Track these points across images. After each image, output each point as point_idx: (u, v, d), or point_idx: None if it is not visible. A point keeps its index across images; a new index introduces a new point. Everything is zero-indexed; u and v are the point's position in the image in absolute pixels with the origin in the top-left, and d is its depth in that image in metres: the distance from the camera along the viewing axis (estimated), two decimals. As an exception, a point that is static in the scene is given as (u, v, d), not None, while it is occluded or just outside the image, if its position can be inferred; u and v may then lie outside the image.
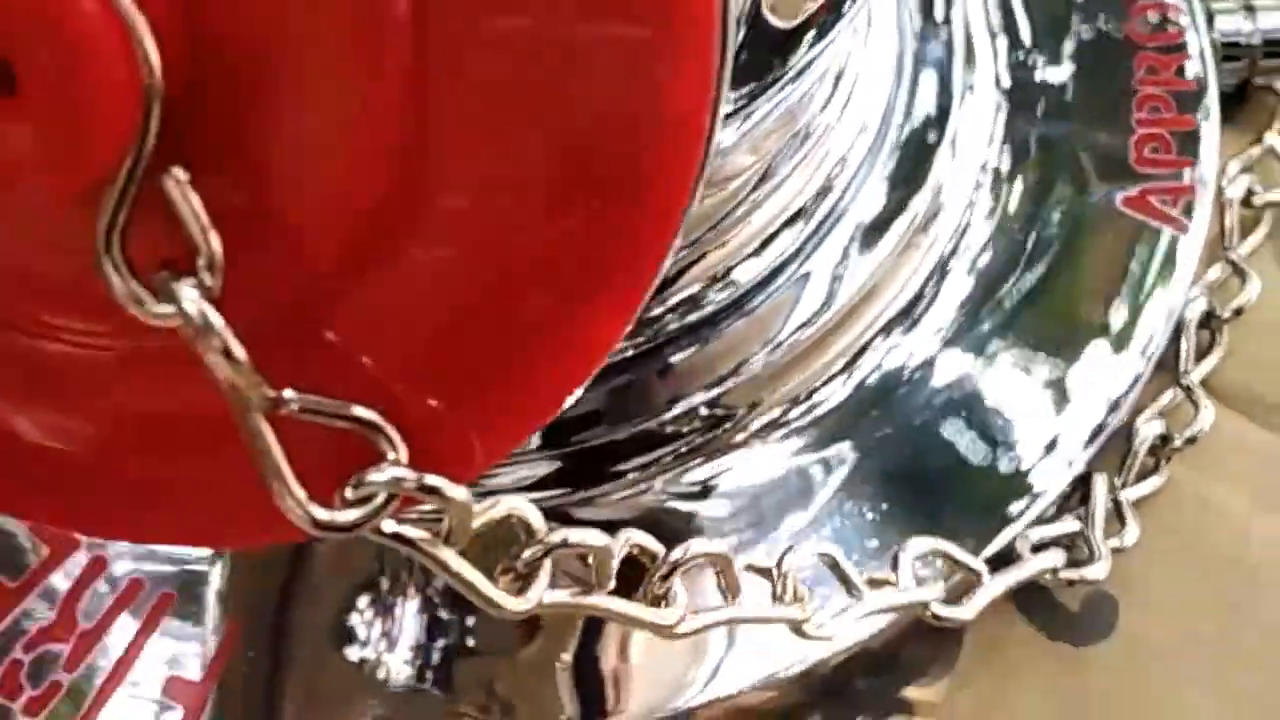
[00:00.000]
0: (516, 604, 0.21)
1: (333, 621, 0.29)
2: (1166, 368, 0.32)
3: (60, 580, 0.29)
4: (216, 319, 0.17)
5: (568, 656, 0.28)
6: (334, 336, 0.19)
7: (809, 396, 0.30)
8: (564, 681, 0.28)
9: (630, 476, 0.29)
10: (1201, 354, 0.32)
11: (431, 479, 0.18)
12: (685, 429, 0.29)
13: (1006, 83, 0.34)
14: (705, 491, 0.29)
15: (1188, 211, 0.32)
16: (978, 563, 0.27)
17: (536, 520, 0.21)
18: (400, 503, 0.19)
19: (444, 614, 0.29)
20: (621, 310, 0.18)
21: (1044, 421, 0.30)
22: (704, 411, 0.29)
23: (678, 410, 0.29)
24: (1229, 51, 0.34)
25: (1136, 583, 0.30)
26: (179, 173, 0.16)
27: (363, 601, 0.29)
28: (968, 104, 0.33)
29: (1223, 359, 0.32)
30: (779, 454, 0.30)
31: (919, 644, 0.29)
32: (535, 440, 0.29)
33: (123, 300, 0.16)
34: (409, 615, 0.29)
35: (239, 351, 0.17)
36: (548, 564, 0.21)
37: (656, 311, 0.28)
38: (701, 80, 0.17)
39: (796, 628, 0.25)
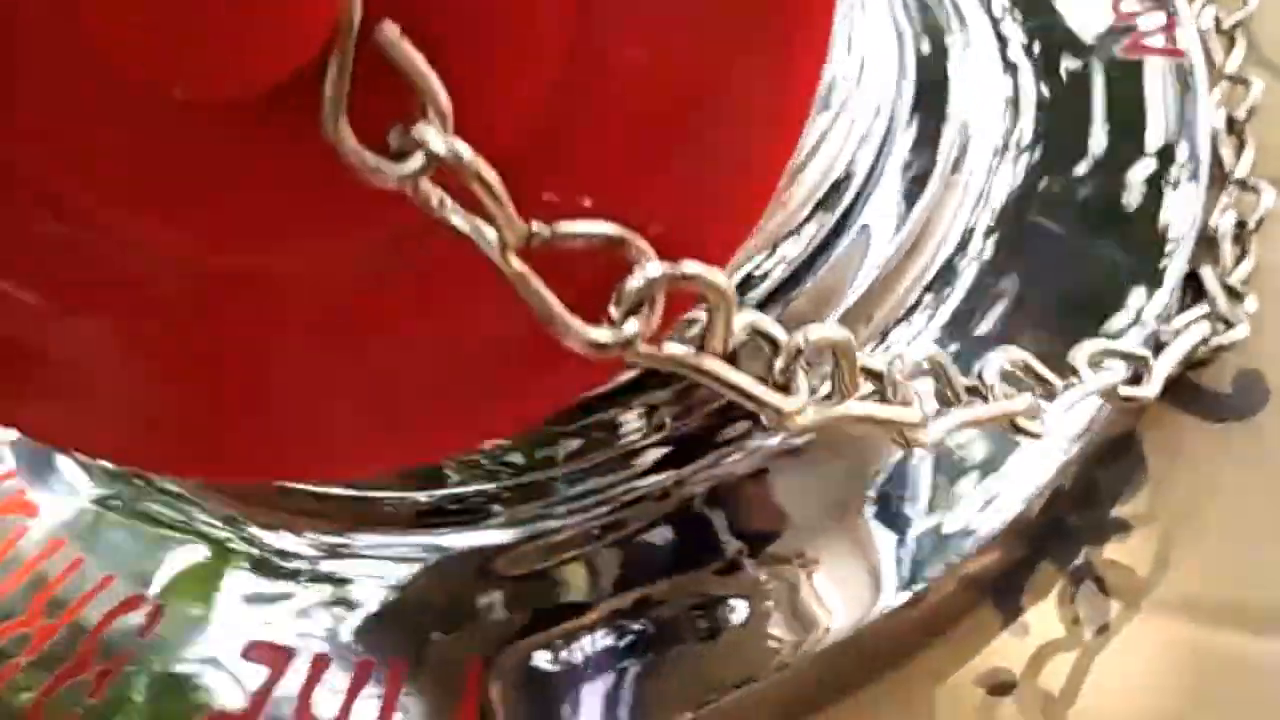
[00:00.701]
0: (789, 403, 0.21)
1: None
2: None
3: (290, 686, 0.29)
4: (465, 149, 0.18)
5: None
6: (552, 196, 0.20)
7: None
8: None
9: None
10: (1238, 153, 0.33)
11: (689, 266, 0.19)
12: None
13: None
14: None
15: (1176, 38, 0.34)
16: (1143, 349, 0.28)
17: (778, 331, 0.22)
18: (663, 319, 0.19)
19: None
20: (795, 119, 0.20)
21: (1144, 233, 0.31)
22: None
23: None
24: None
25: (1269, 348, 0.31)
26: (390, 28, 0.17)
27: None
28: (966, 43, 0.34)
29: (1258, 153, 0.34)
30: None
31: (1106, 471, 0.30)
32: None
33: (360, 168, 0.17)
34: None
35: (491, 176, 0.18)
36: (800, 368, 0.22)
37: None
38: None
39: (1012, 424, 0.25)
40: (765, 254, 0.30)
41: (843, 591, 0.28)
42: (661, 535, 0.29)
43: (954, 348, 0.30)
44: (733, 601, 0.28)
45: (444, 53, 0.17)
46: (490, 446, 0.29)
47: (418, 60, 0.17)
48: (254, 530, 0.31)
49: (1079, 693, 0.28)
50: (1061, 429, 0.28)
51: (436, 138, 0.17)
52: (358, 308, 0.20)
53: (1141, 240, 0.31)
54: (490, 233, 0.18)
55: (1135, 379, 0.28)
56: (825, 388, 0.22)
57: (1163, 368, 0.28)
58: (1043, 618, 0.29)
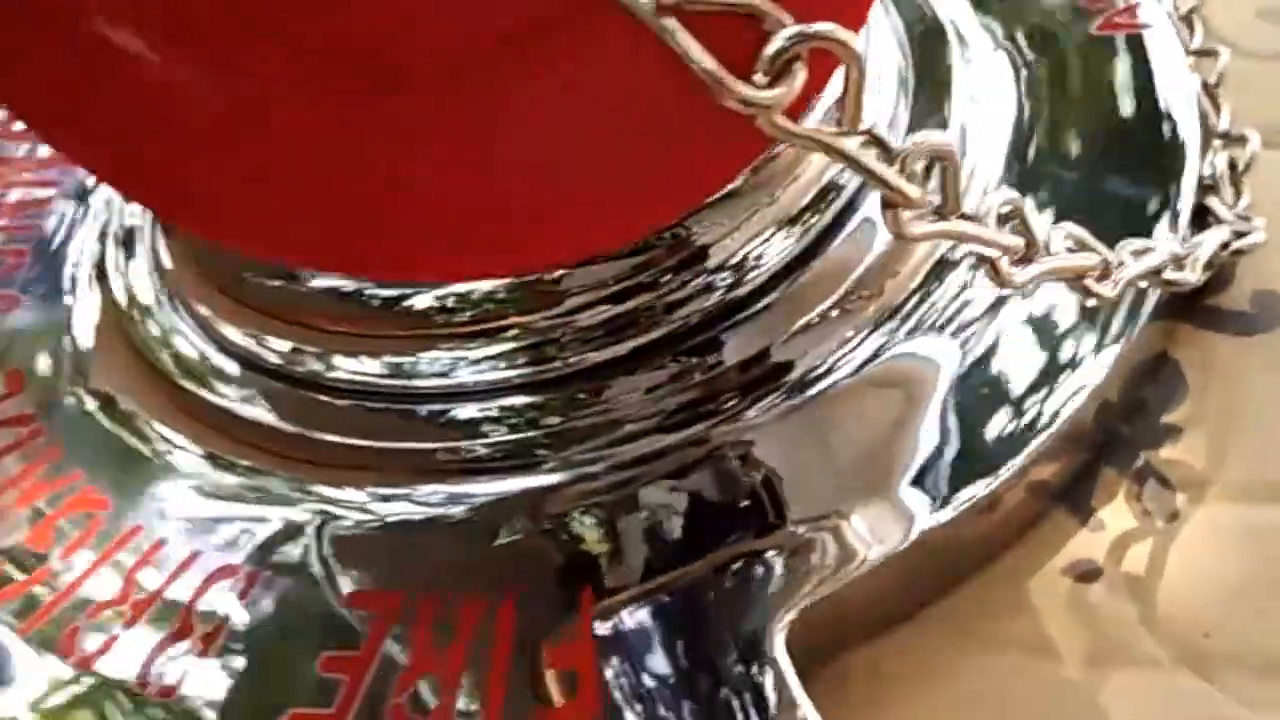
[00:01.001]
0: (918, 195, 0.22)
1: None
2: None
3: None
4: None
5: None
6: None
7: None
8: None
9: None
10: (1217, 111, 0.36)
11: (824, 26, 0.21)
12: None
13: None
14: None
15: (1144, 16, 0.37)
16: (1178, 243, 0.31)
17: (886, 134, 0.23)
18: (806, 84, 0.21)
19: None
20: None
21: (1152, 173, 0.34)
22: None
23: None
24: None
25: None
26: None
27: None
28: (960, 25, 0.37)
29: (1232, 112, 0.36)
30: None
31: (1150, 387, 0.32)
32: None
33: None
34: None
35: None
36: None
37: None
38: None
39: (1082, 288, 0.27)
40: (773, 231, 0.31)
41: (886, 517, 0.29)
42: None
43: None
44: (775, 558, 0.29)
45: None
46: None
47: None
48: (320, 488, 0.31)
49: (1163, 572, 0.29)
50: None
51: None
52: (518, 92, 0.21)
53: (1152, 178, 0.33)
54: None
55: (1177, 268, 0.30)
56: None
57: (1198, 258, 0.30)
58: (1115, 514, 0.30)
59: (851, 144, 0.22)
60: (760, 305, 0.31)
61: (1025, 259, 0.26)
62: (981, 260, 0.25)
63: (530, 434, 0.31)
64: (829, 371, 0.31)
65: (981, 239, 0.24)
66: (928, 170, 0.23)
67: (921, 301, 0.32)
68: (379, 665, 0.28)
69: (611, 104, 0.21)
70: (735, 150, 0.22)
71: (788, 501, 0.30)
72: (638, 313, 0.30)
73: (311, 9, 0.21)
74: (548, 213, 0.22)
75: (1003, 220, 0.25)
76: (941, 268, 0.32)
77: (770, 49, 0.20)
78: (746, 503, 0.30)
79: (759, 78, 0.20)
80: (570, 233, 0.23)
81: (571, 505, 0.30)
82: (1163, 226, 0.32)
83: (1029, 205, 0.26)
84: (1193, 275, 0.30)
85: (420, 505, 0.31)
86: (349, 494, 0.31)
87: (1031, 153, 0.34)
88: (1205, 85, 0.36)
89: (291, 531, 0.31)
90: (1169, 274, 0.29)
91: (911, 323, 0.31)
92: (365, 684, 0.28)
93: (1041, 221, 0.27)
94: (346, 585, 0.29)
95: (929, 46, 0.35)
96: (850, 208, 0.32)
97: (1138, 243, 0.30)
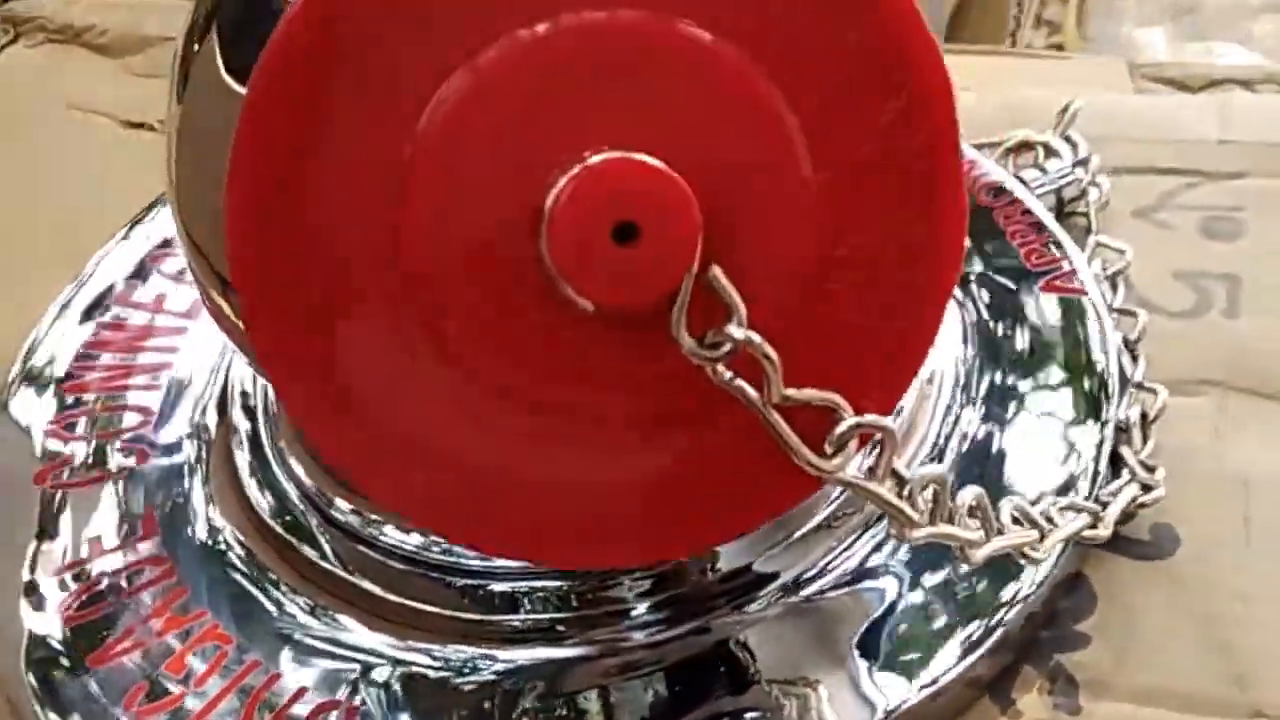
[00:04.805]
0: (918, 518, 0.29)
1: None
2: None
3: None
4: (756, 336, 0.25)
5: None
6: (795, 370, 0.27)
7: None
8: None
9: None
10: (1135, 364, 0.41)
11: (873, 418, 0.27)
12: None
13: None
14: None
15: (1080, 281, 0.43)
16: (1093, 506, 0.36)
17: (904, 469, 0.29)
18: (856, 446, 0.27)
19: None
20: (942, 297, 0.28)
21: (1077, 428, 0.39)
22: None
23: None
24: (1040, 192, 0.46)
25: (1173, 509, 0.38)
26: (717, 270, 0.25)
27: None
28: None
29: (1147, 364, 0.41)
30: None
31: (1066, 599, 0.37)
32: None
33: (692, 354, 0.25)
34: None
35: (775, 356, 0.25)
36: (920, 497, 0.29)
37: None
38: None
39: (1020, 551, 0.33)
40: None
41: (849, 703, 0.34)
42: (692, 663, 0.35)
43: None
44: (750, 714, 0.34)
45: (741, 279, 0.25)
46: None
47: (732, 290, 0.25)
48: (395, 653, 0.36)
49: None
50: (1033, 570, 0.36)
51: (739, 331, 0.25)
52: (659, 439, 0.27)
53: (1077, 424, 0.39)
54: (756, 395, 0.26)
55: (1093, 525, 0.36)
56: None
57: (1110, 516, 0.36)
58: (1031, 705, 0.35)
59: (880, 488, 0.28)
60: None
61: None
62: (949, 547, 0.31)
63: (556, 615, 0.36)
64: (819, 575, 0.36)
65: (954, 537, 0.30)
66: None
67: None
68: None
69: (713, 461, 0.27)
70: (801, 489, 0.28)
71: (764, 670, 0.35)
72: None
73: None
74: (666, 539, 0.29)
75: (970, 512, 0.31)
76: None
77: (837, 431, 0.27)
78: (724, 665, 0.35)
79: (827, 449, 0.27)
80: (674, 546, 0.29)
81: (588, 681, 0.35)
82: (1086, 471, 0.38)
83: (987, 500, 0.32)
84: (1105, 532, 0.35)
85: (451, 664, 0.36)
86: (413, 645, 0.36)
87: (982, 390, 0.40)
88: (1126, 341, 0.42)
89: (375, 675, 0.36)
90: (1086, 533, 0.35)
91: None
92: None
93: (1003, 508, 0.33)
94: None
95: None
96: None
97: (1064, 502, 0.36)
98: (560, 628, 0.36)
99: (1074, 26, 1.14)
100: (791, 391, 0.26)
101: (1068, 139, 0.48)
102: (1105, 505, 0.37)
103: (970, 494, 0.31)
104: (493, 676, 0.35)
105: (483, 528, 0.28)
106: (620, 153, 0.24)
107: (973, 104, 0.51)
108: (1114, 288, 0.44)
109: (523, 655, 0.36)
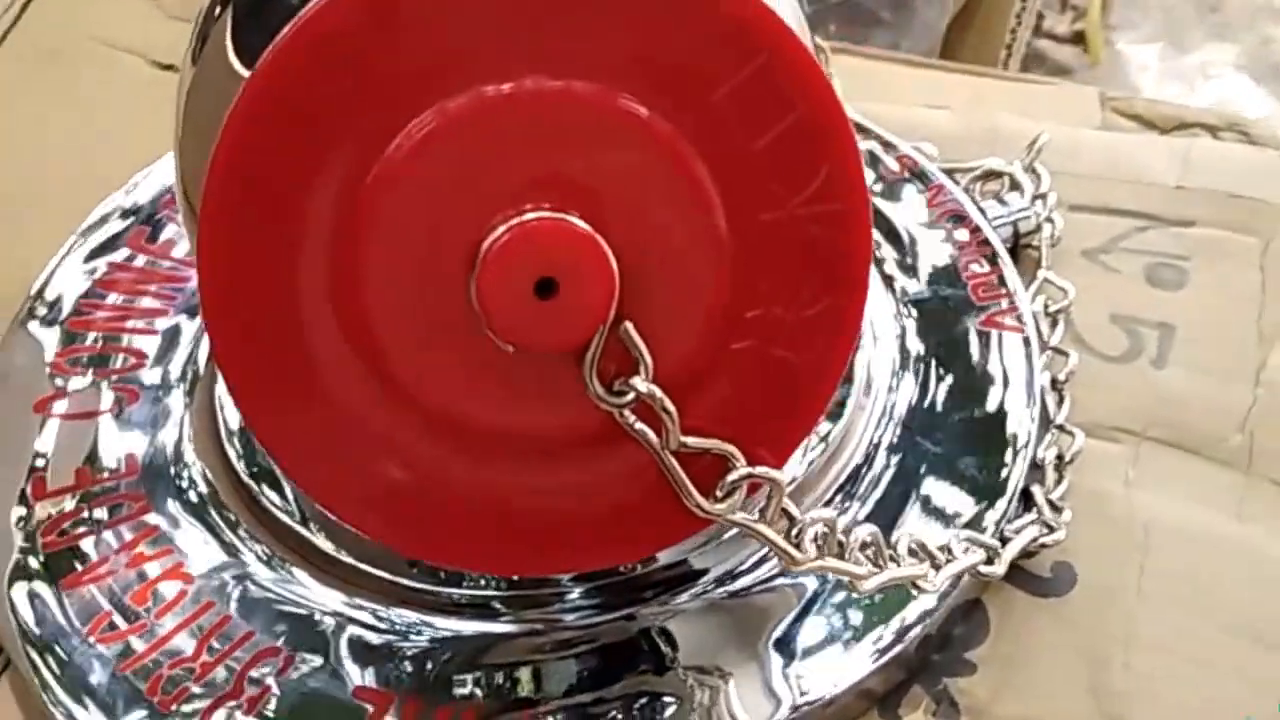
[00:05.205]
0: (801, 557, 0.31)
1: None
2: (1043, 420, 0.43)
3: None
4: (658, 390, 0.28)
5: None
6: (692, 423, 0.30)
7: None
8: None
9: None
10: (1059, 405, 0.44)
11: (764, 469, 0.29)
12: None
13: (888, 272, 0.46)
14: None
15: (1019, 318, 0.45)
16: (993, 541, 0.38)
17: (795, 510, 0.32)
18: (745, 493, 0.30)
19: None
20: (841, 360, 0.30)
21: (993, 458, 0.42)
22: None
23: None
24: (998, 225, 0.48)
25: (1076, 549, 0.41)
26: (629, 325, 0.28)
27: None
28: (875, 306, 0.45)
29: (1071, 405, 0.44)
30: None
31: (961, 625, 0.39)
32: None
33: (599, 400, 0.27)
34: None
35: (672, 408, 0.28)
36: (809, 534, 0.32)
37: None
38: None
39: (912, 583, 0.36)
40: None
41: (756, 697, 0.37)
42: (619, 647, 0.38)
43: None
44: (667, 697, 0.37)
45: (653, 332, 0.28)
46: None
47: (641, 345, 0.27)
48: (341, 599, 0.39)
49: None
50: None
51: (643, 384, 0.28)
52: (566, 469, 0.30)
53: (995, 460, 0.41)
54: (657, 440, 0.28)
55: (989, 561, 0.38)
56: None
57: (1007, 556, 0.38)
58: None
59: (767, 529, 0.31)
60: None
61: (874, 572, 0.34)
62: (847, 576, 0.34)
63: (496, 592, 0.39)
64: (747, 572, 0.39)
65: (840, 570, 0.33)
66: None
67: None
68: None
69: (614, 493, 0.30)
70: (691, 526, 0.31)
71: (683, 659, 0.38)
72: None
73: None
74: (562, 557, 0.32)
75: (864, 547, 0.34)
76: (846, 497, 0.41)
77: (729, 479, 0.29)
78: (648, 648, 0.38)
79: (718, 493, 0.29)
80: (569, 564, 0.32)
81: (521, 655, 0.38)
82: (997, 507, 0.40)
83: (881, 536, 0.35)
84: (999, 569, 0.38)
85: (396, 627, 0.39)
86: (359, 604, 0.39)
87: (906, 415, 0.43)
88: (1054, 380, 0.45)
89: (319, 629, 0.39)
90: (981, 568, 0.38)
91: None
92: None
93: (902, 540, 0.36)
94: (354, 679, 0.38)
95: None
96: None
97: (966, 534, 0.38)
98: (498, 604, 0.39)
99: (1098, 15, 1.15)
100: (688, 440, 0.29)
101: (1033, 170, 0.50)
102: (1007, 541, 0.39)
103: (865, 530, 0.34)
104: (429, 644, 0.38)
105: (401, 531, 0.31)
106: (547, 213, 0.27)
107: (950, 125, 0.53)
108: (1053, 325, 0.46)
109: (461, 626, 0.39)
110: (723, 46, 0.28)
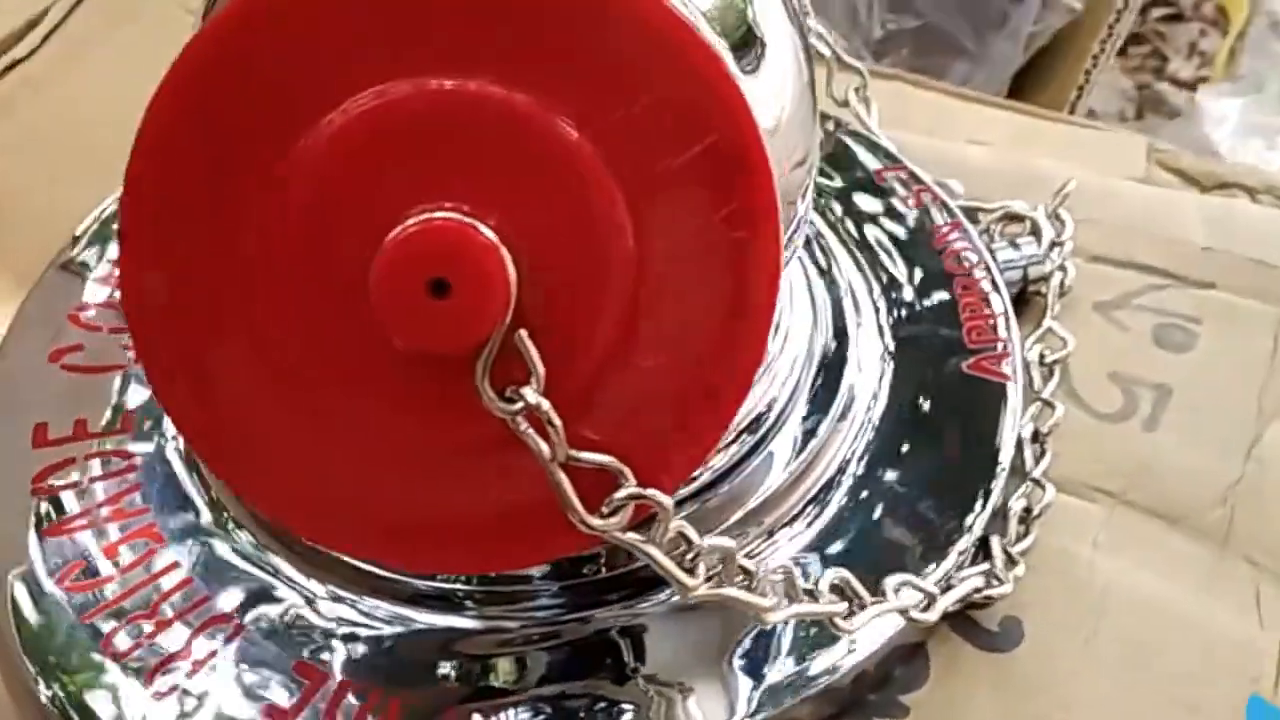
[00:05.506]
0: (693, 583, 0.32)
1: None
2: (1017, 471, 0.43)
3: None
4: (546, 403, 0.28)
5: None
6: (585, 433, 0.30)
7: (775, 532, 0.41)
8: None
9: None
10: (1038, 458, 0.43)
11: (652, 491, 0.29)
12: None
13: (880, 304, 0.46)
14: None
15: (1009, 366, 0.44)
16: (932, 586, 0.38)
17: (694, 535, 0.32)
18: (632, 513, 0.30)
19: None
20: (740, 391, 0.30)
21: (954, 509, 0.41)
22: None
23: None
24: (1007, 269, 0.47)
25: (1028, 605, 0.40)
26: (522, 333, 0.28)
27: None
28: (860, 331, 0.45)
29: (1051, 458, 0.43)
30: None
31: (901, 664, 0.39)
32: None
33: (490, 405, 0.28)
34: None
35: (558, 422, 0.28)
36: (702, 563, 0.32)
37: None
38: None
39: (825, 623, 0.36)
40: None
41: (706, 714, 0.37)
42: (581, 648, 0.39)
43: (814, 556, 0.40)
44: (625, 705, 0.37)
45: (544, 345, 0.28)
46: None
47: (534, 352, 0.28)
48: (299, 578, 0.40)
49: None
50: (871, 630, 0.38)
51: (532, 394, 0.28)
52: (461, 471, 0.30)
53: (960, 504, 0.41)
54: (546, 450, 0.29)
55: (925, 606, 0.38)
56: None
57: (942, 604, 0.38)
58: None
59: (655, 551, 0.31)
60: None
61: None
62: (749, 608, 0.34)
63: (464, 585, 0.39)
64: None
65: (738, 600, 0.33)
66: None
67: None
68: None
69: (504, 499, 0.30)
70: (580, 541, 0.30)
71: (644, 666, 0.38)
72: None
73: None
74: (455, 557, 0.33)
75: (777, 578, 0.34)
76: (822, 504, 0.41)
77: (616, 496, 0.29)
78: (610, 659, 0.38)
79: (604, 509, 0.29)
80: (450, 558, 0.33)
81: (484, 649, 0.39)
82: (950, 552, 0.40)
83: (796, 572, 0.35)
84: (932, 617, 0.37)
85: (368, 614, 0.40)
86: (314, 586, 0.40)
87: (879, 449, 0.43)
88: (1036, 432, 0.44)
89: (276, 600, 0.40)
90: (914, 614, 0.37)
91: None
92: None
93: (825, 576, 0.36)
94: (298, 655, 0.39)
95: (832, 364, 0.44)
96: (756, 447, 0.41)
97: (903, 578, 0.38)
98: (462, 597, 0.39)
99: (1224, 61, 1.12)
100: (579, 454, 0.29)
101: (1056, 216, 0.49)
102: (949, 589, 0.39)
103: (778, 561, 0.34)
104: (388, 631, 0.39)
105: (312, 522, 0.32)
106: (446, 214, 0.27)
107: (987, 161, 0.53)
108: (1049, 375, 0.46)
109: (425, 617, 0.39)
110: (641, 64, 0.28)
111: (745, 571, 0.33)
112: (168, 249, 0.29)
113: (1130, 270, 0.49)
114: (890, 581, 0.37)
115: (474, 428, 0.29)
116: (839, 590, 0.36)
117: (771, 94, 0.36)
